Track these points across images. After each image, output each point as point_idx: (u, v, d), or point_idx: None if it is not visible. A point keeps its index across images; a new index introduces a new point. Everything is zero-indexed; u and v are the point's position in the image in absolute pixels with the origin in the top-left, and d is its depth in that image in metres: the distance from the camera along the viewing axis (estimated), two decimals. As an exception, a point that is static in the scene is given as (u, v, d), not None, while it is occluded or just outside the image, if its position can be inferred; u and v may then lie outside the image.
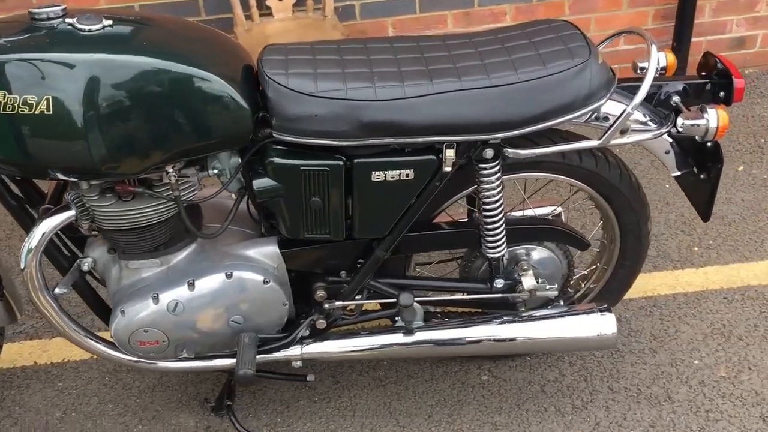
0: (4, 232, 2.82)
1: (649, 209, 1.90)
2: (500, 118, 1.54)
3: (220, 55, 1.55)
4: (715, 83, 1.69)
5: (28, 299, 1.69)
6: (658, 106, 1.72)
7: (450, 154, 1.59)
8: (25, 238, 1.59)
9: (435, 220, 1.87)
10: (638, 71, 1.73)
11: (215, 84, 1.46)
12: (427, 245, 1.83)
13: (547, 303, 1.94)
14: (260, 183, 1.60)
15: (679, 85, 1.71)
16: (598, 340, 1.81)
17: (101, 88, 1.40)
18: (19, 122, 1.41)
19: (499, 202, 1.70)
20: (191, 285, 1.67)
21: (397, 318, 1.83)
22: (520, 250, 1.87)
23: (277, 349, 1.80)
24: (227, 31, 3.25)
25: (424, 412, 2.03)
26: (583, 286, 2.09)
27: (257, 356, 1.77)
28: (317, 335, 1.83)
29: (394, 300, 1.76)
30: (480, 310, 1.97)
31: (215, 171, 1.64)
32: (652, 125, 1.68)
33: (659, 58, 1.75)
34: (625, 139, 1.64)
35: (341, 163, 1.58)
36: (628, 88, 1.67)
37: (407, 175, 1.61)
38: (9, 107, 1.39)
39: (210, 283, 1.68)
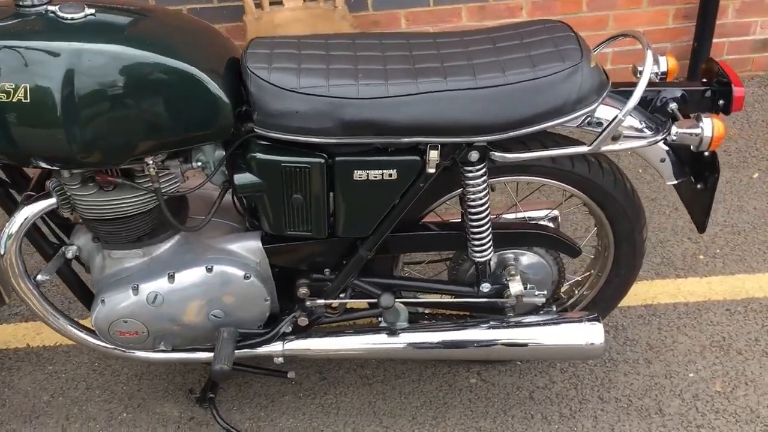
0: None
1: (644, 217, 1.85)
2: (486, 121, 1.50)
3: (203, 47, 1.53)
4: (715, 91, 1.63)
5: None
6: (656, 113, 1.67)
7: (434, 155, 1.55)
8: (5, 224, 1.60)
9: (426, 220, 1.84)
10: (637, 75, 1.68)
11: (195, 76, 1.45)
12: (413, 246, 1.80)
13: (537, 309, 1.90)
14: (241, 178, 1.58)
15: (677, 92, 1.65)
16: (586, 350, 1.77)
17: (79, 77, 1.39)
18: (-5, 110, 1.40)
19: (485, 206, 1.67)
20: (171, 277, 1.67)
21: (381, 318, 1.81)
22: (509, 254, 1.83)
23: (258, 345, 1.79)
24: (237, 19, 3.24)
25: (409, 413, 2.01)
26: (576, 292, 2.04)
27: (237, 351, 1.76)
28: (299, 332, 1.82)
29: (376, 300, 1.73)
30: (468, 314, 1.93)
31: (199, 163, 1.63)
32: (648, 132, 1.63)
33: (659, 63, 1.70)
34: (617, 146, 1.59)
35: (323, 160, 1.56)
36: (623, 93, 1.62)
37: (390, 175, 1.58)
38: None
39: (190, 276, 1.67)
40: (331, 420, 2.00)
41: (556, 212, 2.01)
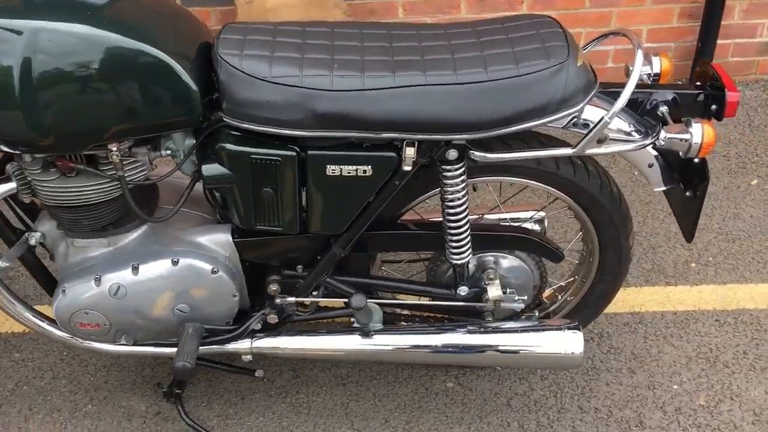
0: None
1: (631, 224, 1.78)
2: (465, 118, 1.43)
3: (172, 30, 1.46)
4: (708, 95, 1.56)
5: None
6: (645, 116, 1.60)
7: (410, 152, 1.48)
8: None
9: (406, 217, 1.78)
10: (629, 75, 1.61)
11: (161, 60, 1.38)
12: (389, 245, 1.74)
13: (517, 314, 1.84)
14: (210, 169, 1.52)
15: (669, 95, 1.58)
16: (564, 359, 1.71)
17: (38, 56, 1.32)
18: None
19: (464, 206, 1.60)
20: (135, 269, 1.61)
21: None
22: (489, 257, 1.76)
23: (225, 342, 1.73)
24: (222, 3, 3.16)
25: (382, 416, 1.95)
26: (560, 298, 1.98)
27: (203, 348, 1.70)
28: (269, 330, 1.76)
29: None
30: (446, 317, 1.87)
31: (168, 152, 1.57)
32: (636, 136, 1.56)
33: (652, 63, 1.63)
34: (603, 149, 1.52)
35: (294, 154, 1.49)
36: (612, 93, 1.55)
37: (365, 171, 1.52)
38: None
39: (155, 268, 1.61)
40: (301, 420, 1.94)
41: (542, 214, 1.94)
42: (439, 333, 1.74)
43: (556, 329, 1.71)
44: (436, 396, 2.00)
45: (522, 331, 1.72)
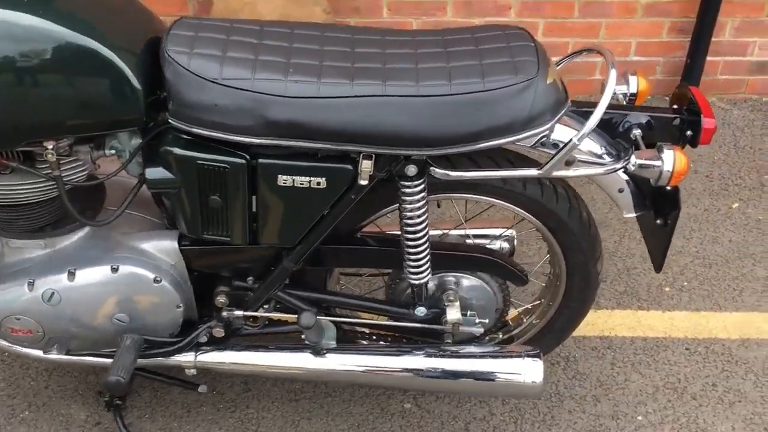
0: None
1: (600, 249, 1.70)
2: (425, 133, 1.35)
3: (119, 23, 1.37)
4: (684, 120, 1.48)
5: None
6: (619, 138, 1.52)
7: (367, 165, 1.40)
8: None
9: (367, 230, 1.69)
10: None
11: (101, 55, 1.29)
12: (345, 261, 1.65)
13: (478, 336, 1.76)
14: (153, 172, 1.43)
15: (644, 117, 1.50)
16: (522, 388, 1.63)
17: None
18: None
19: (423, 224, 1.51)
20: (71, 275, 1.51)
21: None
22: (450, 277, 1.68)
23: (168, 354, 1.63)
24: (206, -6, 3.07)
25: (333, 436, 1.87)
26: (524, 320, 1.90)
27: (143, 360, 1.61)
28: (216, 344, 1.66)
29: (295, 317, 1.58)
30: (405, 336, 1.79)
31: (113, 151, 1.47)
32: (607, 159, 1.48)
33: (629, 83, 1.55)
34: (570, 172, 1.44)
35: (243, 161, 1.40)
36: (586, 113, 1.46)
37: (318, 183, 1.43)
38: None
39: (92, 275, 1.52)
40: (248, 437, 1.86)
41: (512, 232, 1.86)
42: (394, 355, 1.66)
43: (515, 356, 1.63)
44: (392, 417, 1.91)
45: (480, 356, 1.64)
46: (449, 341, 1.70)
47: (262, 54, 1.37)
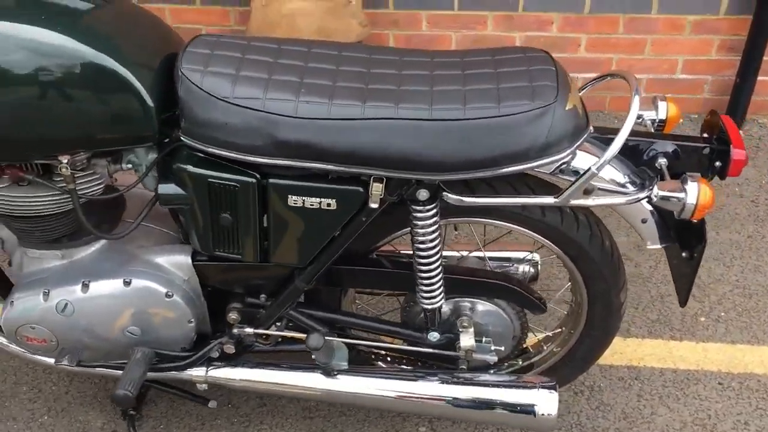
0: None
1: (624, 278, 1.64)
2: (437, 158, 1.32)
3: (137, 40, 1.37)
4: (713, 149, 1.42)
5: None
6: (644, 166, 1.46)
7: (377, 188, 1.37)
8: None
9: (384, 250, 1.67)
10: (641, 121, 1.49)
11: (115, 72, 1.29)
12: (359, 281, 1.63)
13: (496, 363, 1.71)
14: (166, 188, 1.43)
15: (670, 146, 1.43)
16: (536, 420, 1.58)
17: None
18: None
19: (435, 249, 1.48)
20: (86, 286, 1.53)
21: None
22: (465, 302, 1.64)
23: (178, 368, 1.63)
24: (241, 3, 3.09)
25: (345, 457, 1.84)
26: (545, 348, 1.84)
27: (154, 373, 1.62)
28: (227, 360, 1.66)
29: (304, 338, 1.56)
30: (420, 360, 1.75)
31: (129, 165, 1.48)
32: (630, 188, 1.42)
33: (658, 109, 1.49)
34: (590, 201, 1.39)
35: (254, 180, 1.39)
36: (609, 141, 1.40)
37: (329, 205, 1.41)
38: None
39: (105, 287, 1.53)
40: (260, 453, 1.85)
41: (536, 256, 1.81)
42: (406, 380, 1.63)
43: (530, 387, 1.58)
44: (406, 440, 1.88)
45: (494, 385, 1.60)
46: (464, 367, 1.66)
47: (276, 73, 1.36)
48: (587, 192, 1.38)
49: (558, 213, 1.52)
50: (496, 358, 1.62)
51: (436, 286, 1.53)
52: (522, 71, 1.37)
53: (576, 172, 1.40)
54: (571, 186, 1.36)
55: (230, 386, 1.67)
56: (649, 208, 1.47)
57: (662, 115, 1.50)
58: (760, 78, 3.13)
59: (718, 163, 1.40)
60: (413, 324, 1.67)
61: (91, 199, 1.47)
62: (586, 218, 1.55)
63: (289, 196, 1.40)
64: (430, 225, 1.44)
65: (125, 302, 1.53)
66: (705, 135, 1.47)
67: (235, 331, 1.61)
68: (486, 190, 1.47)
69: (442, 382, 1.61)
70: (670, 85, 3.24)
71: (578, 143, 1.34)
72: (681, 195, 1.34)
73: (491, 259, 1.76)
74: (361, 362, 1.73)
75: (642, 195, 1.39)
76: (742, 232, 2.57)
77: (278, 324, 1.64)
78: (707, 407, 1.97)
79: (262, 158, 1.34)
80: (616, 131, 1.40)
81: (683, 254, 1.48)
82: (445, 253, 1.75)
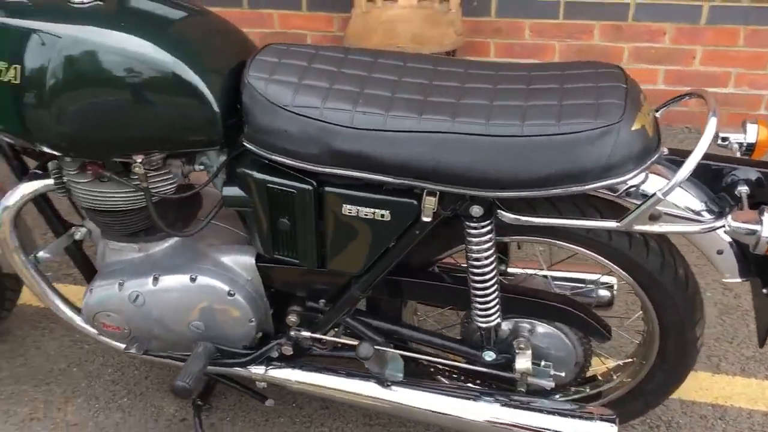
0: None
1: (701, 313, 1.53)
2: (491, 174, 1.28)
3: (210, 48, 1.43)
4: (801, 179, 1.30)
5: None
6: (724, 193, 1.35)
7: (430, 202, 1.35)
8: (5, 195, 1.61)
9: (445, 262, 1.65)
10: (720, 141, 1.38)
11: (185, 79, 1.35)
12: (416, 294, 1.61)
13: (561, 389, 1.65)
14: (230, 190, 1.48)
15: (753, 173, 1.32)
16: (592, 454, 1.50)
17: (70, 61, 1.34)
18: (-8, 88, 1.39)
19: (490, 267, 1.44)
20: (156, 280, 1.60)
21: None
22: (524, 323, 1.58)
23: (238, 365, 1.68)
24: (345, 10, 3.14)
25: (400, 468, 1.83)
26: (614, 377, 1.75)
27: (215, 367, 1.67)
28: (286, 360, 1.69)
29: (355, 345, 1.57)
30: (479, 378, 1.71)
31: (201, 167, 1.54)
32: (706, 216, 1.32)
33: (747, 131, 1.38)
34: (655, 227, 1.31)
35: (310, 188, 1.41)
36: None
37: (382, 216, 1.41)
38: None
39: (173, 282, 1.60)
40: (318, 455, 1.87)
41: (612, 279, 1.72)
42: (461, 397, 1.59)
43: (588, 418, 1.51)
44: (464, 458, 1.84)
45: (550, 412, 1.53)
46: (522, 390, 1.61)
47: (337, 83, 1.37)
48: (653, 217, 1.30)
49: (626, 237, 1.44)
50: (552, 384, 1.55)
51: (491, 305, 1.49)
52: (589, 88, 1.31)
53: (644, 196, 1.32)
54: (634, 210, 1.29)
55: (287, 386, 1.70)
56: (727, 238, 1.36)
57: (751, 139, 1.38)
58: None
59: (806, 197, 1.28)
60: (470, 341, 1.64)
61: (164, 198, 1.55)
62: (657, 245, 1.46)
63: (344, 204, 1.41)
64: (485, 242, 1.41)
65: (190, 298, 1.59)
66: (795, 163, 1.35)
67: (292, 333, 1.64)
68: (548, 209, 1.41)
69: (498, 404, 1.57)
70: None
71: (645, 166, 1.26)
72: (756, 227, 1.23)
73: (560, 279, 1.69)
74: (420, 375, 1.71)
75: (716, 224, 1.30)
76: None
77: (336, 330, 1.65)
78: (799, 457, 1.81)
79: (318, 167, 1.36)
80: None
81: (764, 291, 1.36)
82: (510, 271, 1.71)
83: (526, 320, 1.58)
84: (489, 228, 1.40)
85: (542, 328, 1.58)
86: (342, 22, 3.22)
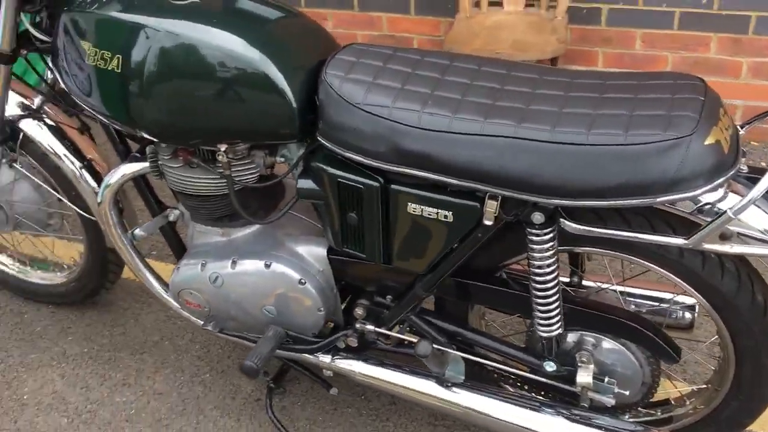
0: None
1: (780, 341, 1.44)
2: (553, 181, 1.27)
3: (294, 46, 1.50)
4: None
5: None
6: (811, 215, 1.28)
7: (492, 206, 1.36)
8: (108, 173, 1.75)
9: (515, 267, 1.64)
10: None
11: (269, 73, 1.42)
12: (480, 298, 1.61)
13: (630, 408, 1.61)
14: (304, 182, 1.54)
15: (840, 196, 1.24)
16: (650, 479, 1.45)
17: (162, 55, 1.44)
18: (98, 75, 1.53)
19: (552, 276, 1.42)
20: (234, 263, 1.70)
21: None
22: (589, 337, 1.55)
23: (306, 351, 1.75)
24: (451, 15, 3.15)
25: (459, 470, 1.84)
26: (687, 402, 1.68)
27: (284, 352, 1.75)
28: (352, 352, 1.74)
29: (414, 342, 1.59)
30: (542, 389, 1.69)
31: (282, 159, 1.62)
32: (786, 238, 1.25)
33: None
34: (726, 247, 1.25)
35: (377, 184, 1.45)
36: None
37: (445, 217, 1.42)
38: (91, 59, 1.52)
39: (249, 266, 1.68)
40: (379, 448, 1.91)
41: (694, 300, 1.65)
42: (520, 406, 1.58)
43: (646, 441, 1.46)
44: (525, 468, 1.82)
45: (609, 430, 1.50)
46: (585, 405, 1.58)
47: (409, 83, 1.41)
48: (724, 237, 1.24)
49: (699, 256, 1.39)
50: (613, 401, 1.51)
51: (552, 314, 1.48)
52: (664, 99, 1.27)
53: (717, 214, 1.26)
54: (703, 228, 1.24)
55: (351, 377, 1.75)
56: (807, 265, 1.28)
57: None
58: None
59: None
60: (533, 350, 1.62)
61: (246, 186, 1.63)
62: (734, 266, 1.39)
63: (409, 203, 1.44)
64: (547, 250, 1.40)
65: (264, 283, 1.67)
66: None
67: (358, 326, 1.68)
68: (618, 221, 1.38)
69: (557, 416, 1.55)
70: None
71: (718, 182, 1.21)
72: (836, 254, 1.16)
73: (634, 296, 1.64)
74: (484, 380, 1.71)
75: (795, 248, 1.22)
76: None
77: (400, 326, 1.69)
78: None
79: (385, 164, 1.40)
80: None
81: None
82: (585, 284, 1.69)
83: (590, 334, 1.55)
84: (551, 236, 1.38)
85: (608, 343, 1.54)
86: (448, 27, 3.24)
